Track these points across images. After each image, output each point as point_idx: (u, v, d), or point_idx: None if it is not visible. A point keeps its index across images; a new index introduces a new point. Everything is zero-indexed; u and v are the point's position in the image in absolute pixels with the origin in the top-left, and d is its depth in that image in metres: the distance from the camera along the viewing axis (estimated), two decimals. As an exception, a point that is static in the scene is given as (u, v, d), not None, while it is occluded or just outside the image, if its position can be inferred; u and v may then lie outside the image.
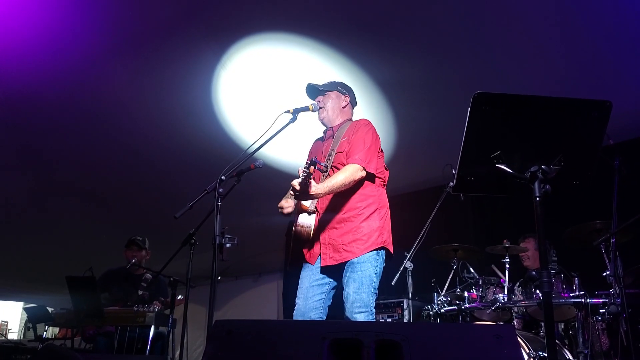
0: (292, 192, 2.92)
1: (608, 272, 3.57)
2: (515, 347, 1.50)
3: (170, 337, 4.50)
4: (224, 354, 1.51)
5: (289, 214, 3.22)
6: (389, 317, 5.51)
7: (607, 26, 4.01)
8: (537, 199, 2.01)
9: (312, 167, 2.77)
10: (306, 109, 3.24)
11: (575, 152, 2.12)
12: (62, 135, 5.59)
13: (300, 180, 2.80)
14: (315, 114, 3.34)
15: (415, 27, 4.15)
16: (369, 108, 4.92)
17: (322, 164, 2.89)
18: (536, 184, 2.02)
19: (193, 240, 3.51)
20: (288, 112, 3.15)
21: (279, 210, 3.25)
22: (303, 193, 2.84)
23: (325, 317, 3.07)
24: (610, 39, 4.13)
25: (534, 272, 3.96)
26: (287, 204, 3.25)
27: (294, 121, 3.15)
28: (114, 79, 4.80)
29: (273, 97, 4.89)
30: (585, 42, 4.19)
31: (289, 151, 5.26)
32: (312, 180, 2.83)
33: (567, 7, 3.86)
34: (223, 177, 2.85)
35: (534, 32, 4.13)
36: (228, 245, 2.73)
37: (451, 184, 3.65)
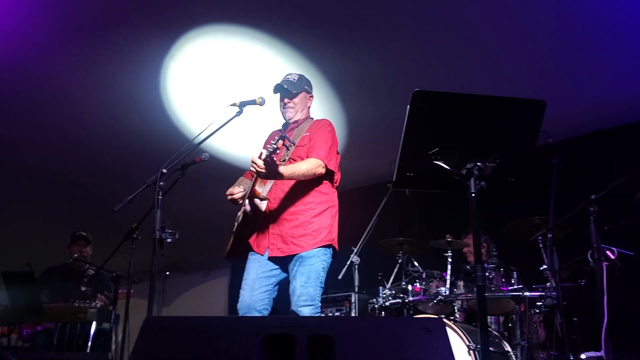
0: (253, 169, 2.80)
1: (545, 267, 3.71)
2: (444, 339, 1.54)
3: (113, 333, 4.40)
4: (153, 350, 1.48)
5: (239, 200, 3.15)
6: (337, 310, 5.56)
7: (549, 30, 4.16)
8: (473, 195, 2.05)
9: (280, 142, 2.69)
10: (253, 102, 3.19)
11: (510, 150, 2.16)
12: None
13: (266, 155, 2.70)
14: (261, 107, 3.29)
15: (366, 24, 4.18)
16: (318, 102, 4.91)
17: (289, 140, 2.82)
18: (472, 181, 2.05)
19: (135, 235, 3.43)
20: (234, 105, 3.10)
21: (228, 197, 3.17)
22: (269, 168, 2.76)
23: (270, 310, 3.03)
24: (552, 41, 4.28)
25: (468, 267, 4.06)
26: (237, 189, 3.19)
27: (240, 114, 3.10)
28: (57, 66, 4.63)
29: (223, 89, 4.83)
30: (529, 43, 4.33)
31: (239, 143, 5.23)
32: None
33: (509, 8, 3.97)
34: (164, 170, 2.76)
35: (480, 34, 4.24)
36: (169, 240, 2.66)
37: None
